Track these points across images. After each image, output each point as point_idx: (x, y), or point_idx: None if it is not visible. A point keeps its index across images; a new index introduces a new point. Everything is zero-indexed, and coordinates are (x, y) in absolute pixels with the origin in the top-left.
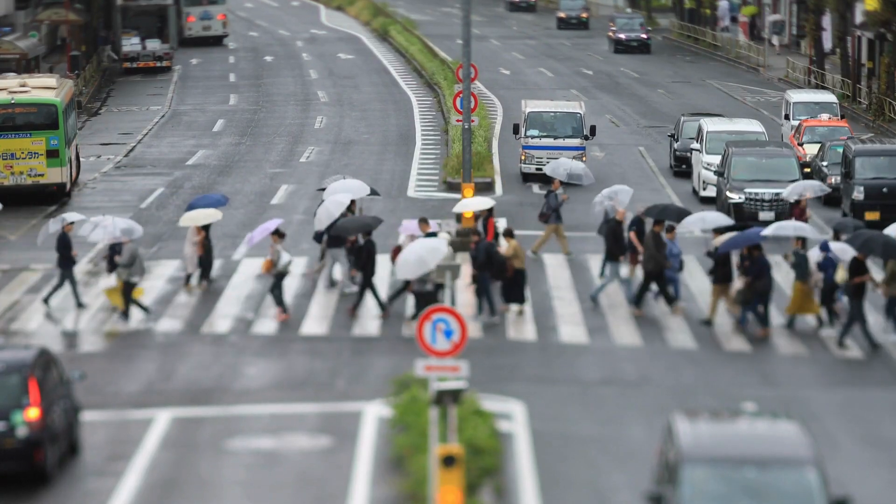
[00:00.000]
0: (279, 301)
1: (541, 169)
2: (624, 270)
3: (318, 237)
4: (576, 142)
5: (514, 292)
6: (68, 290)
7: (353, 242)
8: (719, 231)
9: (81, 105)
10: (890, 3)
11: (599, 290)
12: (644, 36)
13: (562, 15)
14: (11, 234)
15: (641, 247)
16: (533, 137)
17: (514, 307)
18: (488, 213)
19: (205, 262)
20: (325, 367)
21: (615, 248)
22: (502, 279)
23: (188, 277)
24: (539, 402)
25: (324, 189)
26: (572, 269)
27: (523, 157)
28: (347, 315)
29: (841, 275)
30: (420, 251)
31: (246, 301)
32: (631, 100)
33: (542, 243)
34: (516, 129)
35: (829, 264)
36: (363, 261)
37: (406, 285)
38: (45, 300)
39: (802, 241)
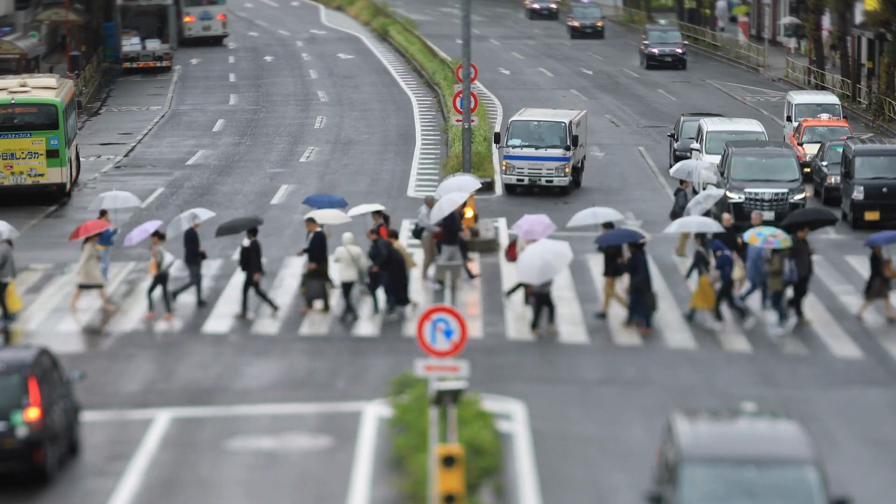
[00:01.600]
0: (151, 302)
1: (522, 180)
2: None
3: (417, 233)
4: (558, 152)
5: (400, 293)
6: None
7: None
8: (608, 226)
9: (81, 105)
10: (890, 3)
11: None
12: (679, 51)
13: (575, 24)
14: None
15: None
16: (514, 147)
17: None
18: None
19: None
20: (325, 367)
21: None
22: (399, 278)
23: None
24: (539, 402)
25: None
26: (572, 269)
27: (504, 168)
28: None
29: (737, 273)
30: (545, 255)
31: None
32: (631, 100)
33: (684, 243)
34: (497, 138)
35: (725, 262)
36: (248, 260)
37: (517, 286)
38: (175, 295)
39: (702, 238)
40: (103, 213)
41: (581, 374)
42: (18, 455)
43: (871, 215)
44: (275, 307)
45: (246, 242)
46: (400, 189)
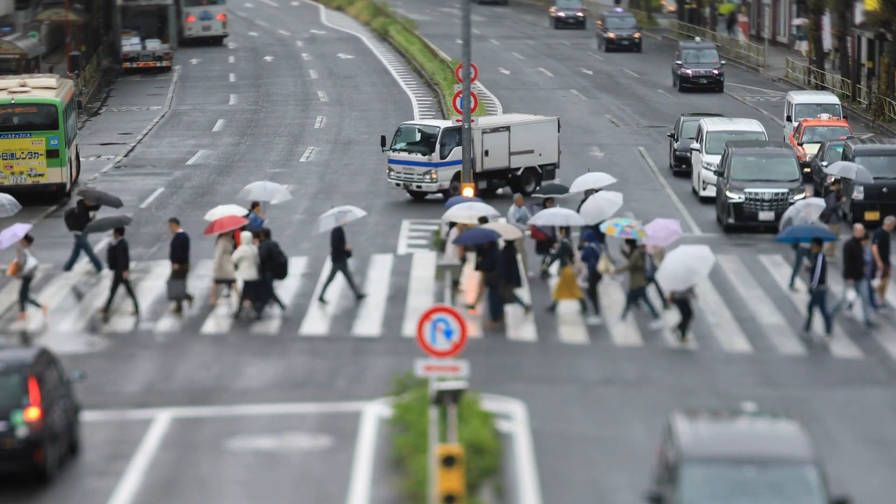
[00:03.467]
0: (23, 303)
1: (399, 184)
2: (851, 293)
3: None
4: (425, 158)
5: (255, 293)
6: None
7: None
8: (483, 220)
9: (81, 105)
10: (889, 3)
11: (835, 311)
12: (716, 72)
13: (610, 35)
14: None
15: (882, 262)
16: (395, 151)
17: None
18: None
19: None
20: (325, 367)
21: (852, 268)
22: (282, 277)
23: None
24: (539, 401)
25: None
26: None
27: (388, 171)
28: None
29: (603, 265)
30: (688, 261)
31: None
32: (631, 100)
33: (833, 245)
34: (384, 142)
35: (590, 254)
36: (115, 259)
37: (642, 290)
38: (321, 299)
39: (566, 230)
40: (255, 204)
41: (581, 374)
42: (18, 455)
43: (871, 215)
44: (137, 305)
45: (113, 241)
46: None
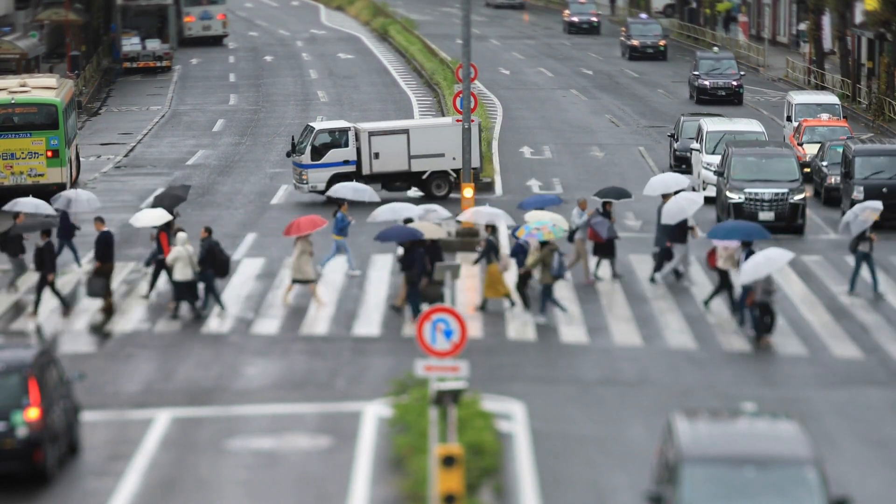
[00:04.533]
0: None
1: (299, 187)
2: None
3: (570, 235)
4: (300, 160)
5: (189, 293)
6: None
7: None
8: (408, 221)
9: (81, 105)
10: (889, 3)
11: None
12: (734, 83)
13: (634, 43)
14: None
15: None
16: (296, 154)
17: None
18: (164, 227)
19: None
20: (325, 367)
21: None
22: (224, 275)
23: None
24: (539, 402)
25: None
26: (572, 269)
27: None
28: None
29: (531, 260)
30: (757, 258)
31: (246, 301)
32: (631, 99)
33: None
34: (293, 146)
35: (519, 251)
36: (42, 261)
37: (720, 289)
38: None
39: (493, 228)
40: (341, 203)
41: (581, 374)
42: (18, 455)
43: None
44: (66, 304)
45: (40, 243)
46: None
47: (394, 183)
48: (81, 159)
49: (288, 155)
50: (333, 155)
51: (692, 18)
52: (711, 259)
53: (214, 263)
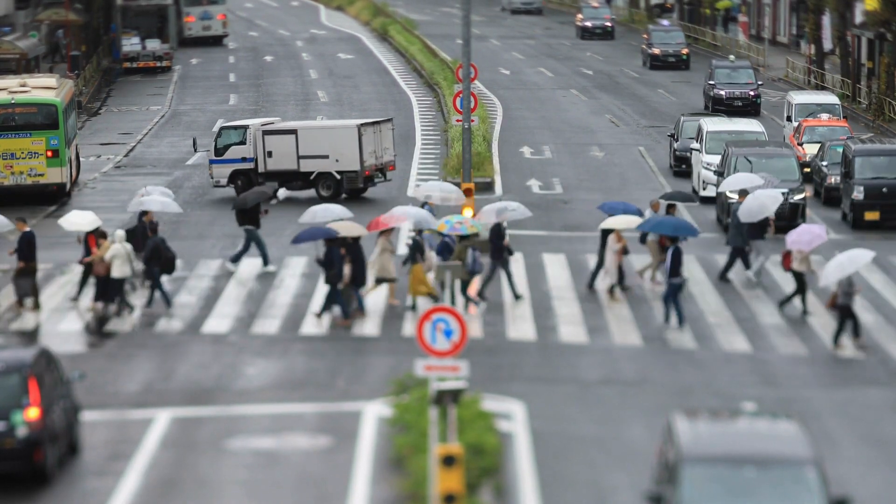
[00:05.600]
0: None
1: (219, 185)
2: None
3: (643, 237)
4: (210, 156)
5: (106, 292)
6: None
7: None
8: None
9: (81, 105)
10: (889, 3)
11: None
12: (752, 93)
13: (655, 52)
14: (11, 234)
15: None
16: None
17: (99, 304)
18: (93, 231)
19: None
20: (325, 367)
21: None
22: (170, 272)
23: (611, 287)
24: (539, 401)
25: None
26: (572, 269)
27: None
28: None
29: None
30: (840, 257)
31: (246, 301)
32: (631, 99)
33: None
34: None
35: (444, 248)
36: (157, 257)
37: (793, 295)
38: (480, 294)
39: (419, 230)
40: (426, 200)
41: (581, 374)
42: (18, 455)
43: (871, 215)
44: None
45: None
46: (400, 189)
47: (290, 182)
48: (81, 159)
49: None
50: (234, 152)
51: (692, 18)
52: (787, 261)
53: (161, 261)
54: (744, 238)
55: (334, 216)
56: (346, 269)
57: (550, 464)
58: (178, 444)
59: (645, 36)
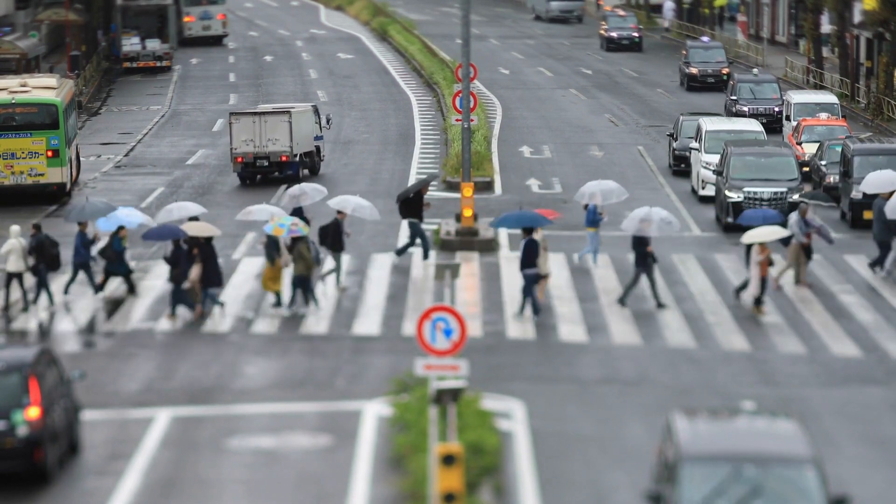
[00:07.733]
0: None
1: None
2: None
3: (786, 240)
4: None
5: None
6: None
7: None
8: (193, 219)
9: (81, 105)
10: (888, 3)
11: None
12: (776, 109)
13: (693, 71)
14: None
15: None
16: None
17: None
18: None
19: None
20: (325, 367)
21: None
22: (55, 269)
23: (757, 300)
24: (539, 400)
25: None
26: (572, 268)
27: None
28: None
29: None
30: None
31: (246, 301)
32: (630, 99)
33: None
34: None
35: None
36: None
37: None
38: (622, 301)
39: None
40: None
41: (581, 374)
42: (18, 454)
43: (870, 214)
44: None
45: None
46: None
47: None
48: (81, 159)
49: None
50: None
51: (691, 18)
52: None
53: (45, 258)
54: (892, 232)
55: (189, 214)
56: (197, 269)
57: (550, 463)
58: (178, 443)
59: (683, 52)
